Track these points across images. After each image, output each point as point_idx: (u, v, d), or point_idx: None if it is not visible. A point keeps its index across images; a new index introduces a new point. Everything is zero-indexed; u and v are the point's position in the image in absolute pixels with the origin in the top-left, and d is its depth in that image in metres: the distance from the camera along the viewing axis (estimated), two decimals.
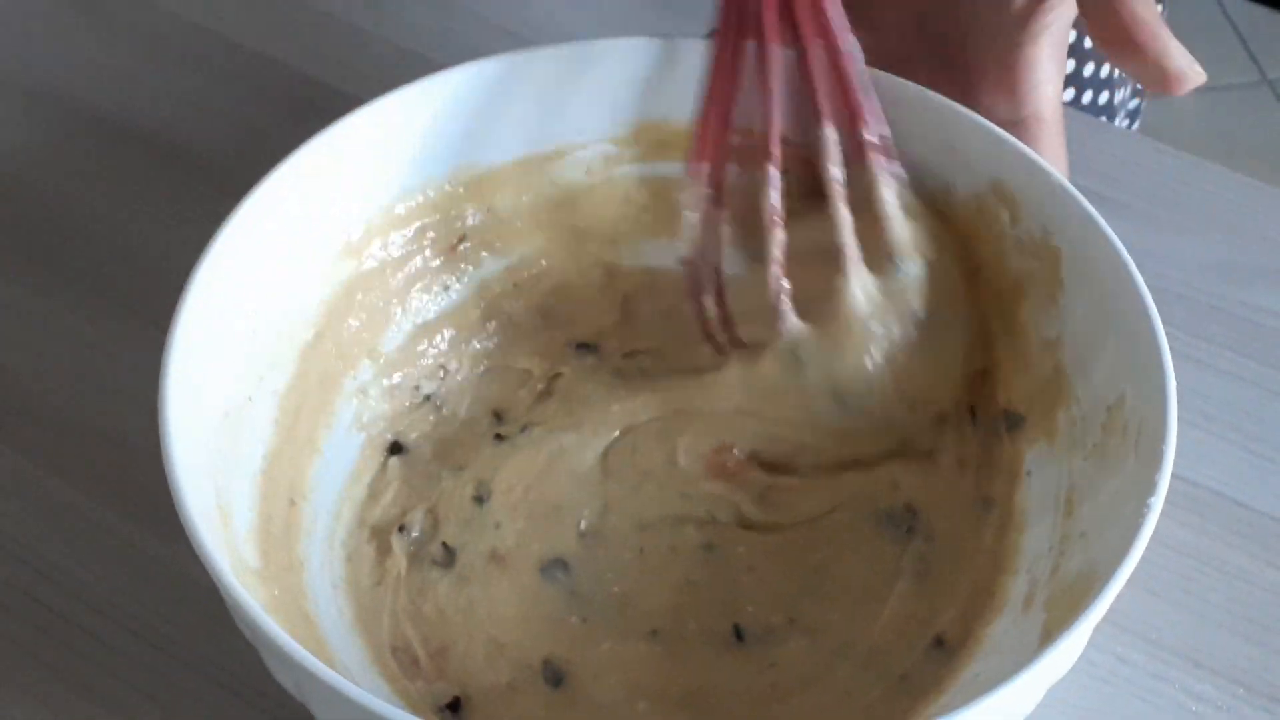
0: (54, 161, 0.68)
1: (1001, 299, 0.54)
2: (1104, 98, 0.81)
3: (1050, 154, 0.56)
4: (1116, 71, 0.80)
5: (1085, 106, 0.80)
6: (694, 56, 0.56)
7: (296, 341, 0.54)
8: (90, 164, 0.68)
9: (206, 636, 0.52)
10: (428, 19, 0.74)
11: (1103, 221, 0.51)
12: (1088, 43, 0.78)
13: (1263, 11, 2.02)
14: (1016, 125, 0.57)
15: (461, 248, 0.58)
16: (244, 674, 0.51)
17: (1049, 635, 0.44)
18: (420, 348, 0.58)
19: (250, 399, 0.51)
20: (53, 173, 0.68)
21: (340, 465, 0.54)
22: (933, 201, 0.55)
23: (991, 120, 0.55)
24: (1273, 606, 0.53)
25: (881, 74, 0.55)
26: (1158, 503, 0.44)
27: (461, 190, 0.58)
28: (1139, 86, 0.86)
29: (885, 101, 0.54)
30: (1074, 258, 0.52)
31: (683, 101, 0.56)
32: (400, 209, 0.56)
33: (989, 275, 0.54)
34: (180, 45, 0.73)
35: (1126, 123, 0.86)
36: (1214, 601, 0.53)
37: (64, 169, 0.68)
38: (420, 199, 0.57)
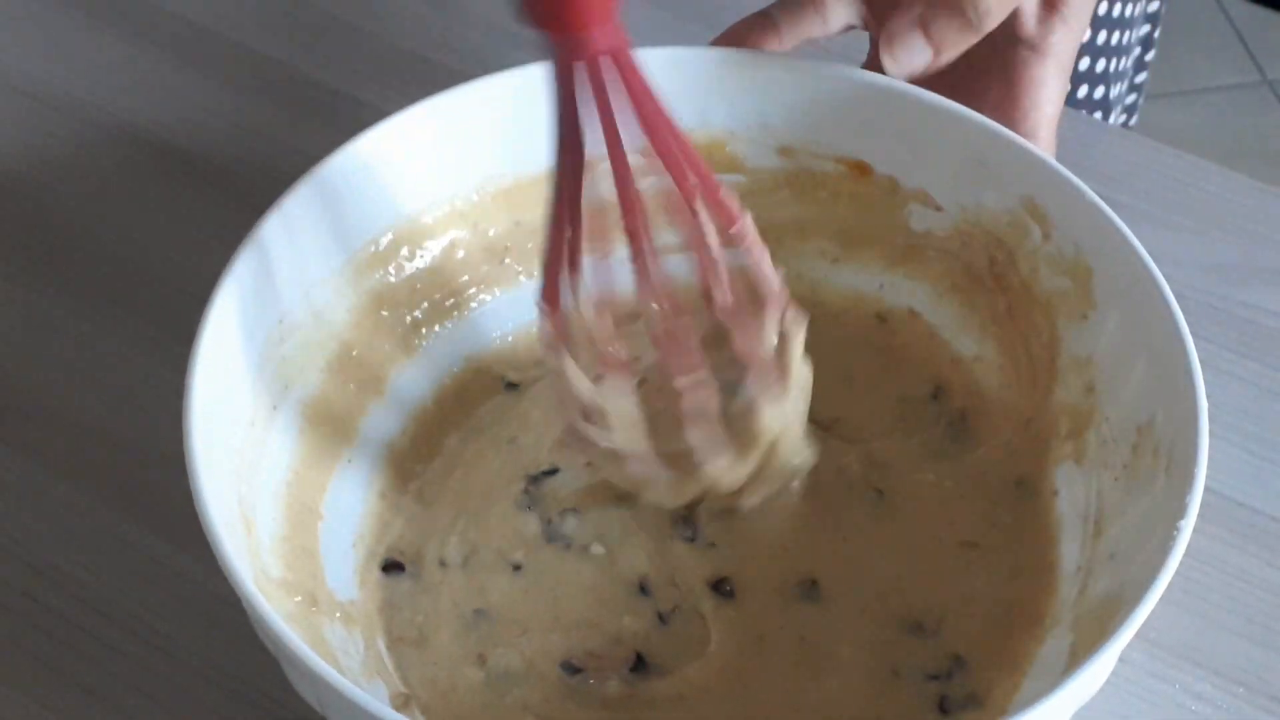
0: (56, 163, 0.68)
1: (1033, 316, 0.54)
2: (1099, 92, 0.81)
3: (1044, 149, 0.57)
4: (1113, 66, 0.81)
5: (1080, 101, 0.80)
6: (713, 66, 0.56)
7: (324, 352, 0.53)
8: (92, 165, 0.68)
9: (206, 637, 0.52)
10: (428, 19, 0.74)
11: (1136, 241, 0.51)
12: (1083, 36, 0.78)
13: (1262, 12, 2.01)
14: (1017, 127, 0.57)
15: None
16: (244, 674, 0.51)
17: (1077, 657, 0.44)
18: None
19: (275, 408, 0.51)
20: (55, 174, 0.67)
21: (361, 482, 0.54)
22: (963, 213, 0.56)
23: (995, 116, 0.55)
24: (1272, 606, 0.53)
25: (911, 88, 0.55)
26: (1188, 525, 0.44)
27: (489, 201, 0.57)
28: (1136, 82, 0.86)
29: (917, 114, 0.54)
30: (1106, 276, 0.52)
31: (703, 110, 0.57)
32: (428, 219, 0.56)
33: (1021, 291, 0.55)
34: (180, 45, 0.73)
35: (1123, 118, 0.86)
36: (1214, 601, 0.53)
37: (66, 171, 0.68)
38: (447, 209, 0.57)
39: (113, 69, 0.72)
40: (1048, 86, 0.56)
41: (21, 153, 0.68)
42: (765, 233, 0.50)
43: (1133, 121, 0.88)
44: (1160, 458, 0.47)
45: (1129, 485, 0.49)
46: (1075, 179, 0.53)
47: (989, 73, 0.57)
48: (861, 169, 0.58)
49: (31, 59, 0.73)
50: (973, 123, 0.55)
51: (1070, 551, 0.50)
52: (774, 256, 0.50)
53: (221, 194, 0.66)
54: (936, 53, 0.54)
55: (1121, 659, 0.51)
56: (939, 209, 0.57)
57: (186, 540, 0.54)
